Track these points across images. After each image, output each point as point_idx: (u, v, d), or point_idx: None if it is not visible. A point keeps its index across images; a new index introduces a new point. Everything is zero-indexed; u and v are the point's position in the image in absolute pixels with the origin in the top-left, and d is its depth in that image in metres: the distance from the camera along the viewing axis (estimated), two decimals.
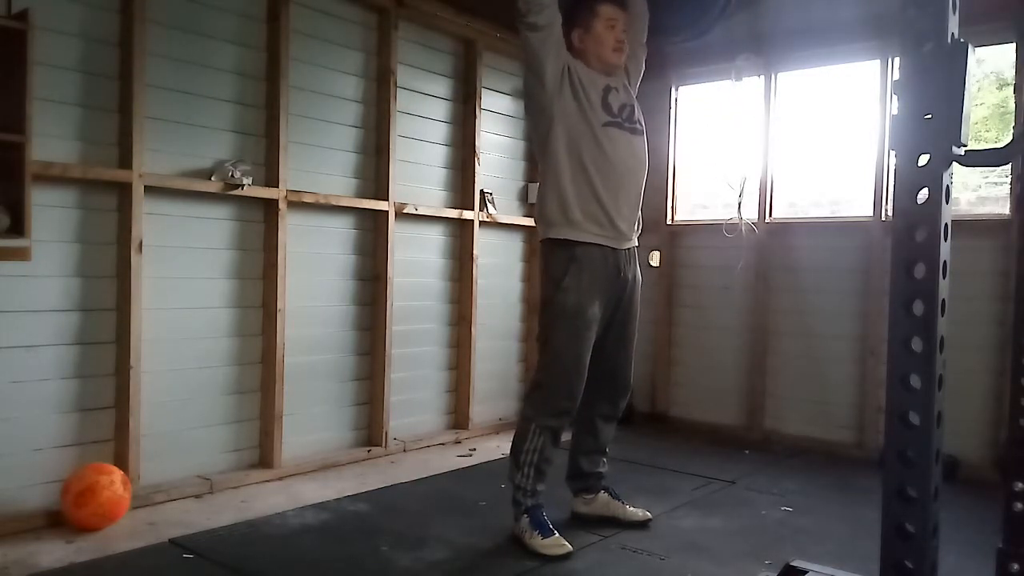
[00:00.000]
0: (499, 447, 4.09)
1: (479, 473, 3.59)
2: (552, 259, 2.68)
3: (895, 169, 1.34)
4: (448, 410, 4.29)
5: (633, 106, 2.75)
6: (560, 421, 2.67)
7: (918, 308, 1.27)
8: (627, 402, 2.97)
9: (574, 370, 2.63)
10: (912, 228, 1.28)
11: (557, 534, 2.58)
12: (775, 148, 4.40)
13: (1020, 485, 1.64)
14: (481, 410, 4.41)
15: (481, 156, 4.29)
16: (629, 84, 2.82)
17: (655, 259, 4.85)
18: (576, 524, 2.84)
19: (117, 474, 2.72)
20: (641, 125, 2.75)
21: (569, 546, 2.56)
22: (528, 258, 4.73)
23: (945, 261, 1.28)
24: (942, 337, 1.27)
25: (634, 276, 2.80)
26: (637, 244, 2.82)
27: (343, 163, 3.69)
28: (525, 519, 2.62)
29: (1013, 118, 3.74)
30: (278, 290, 3.34)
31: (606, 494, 2.89)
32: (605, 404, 2.87)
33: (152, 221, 2.96)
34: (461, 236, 4.27)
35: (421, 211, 3.97)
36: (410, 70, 3.93)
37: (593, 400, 2.80)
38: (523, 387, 4.75)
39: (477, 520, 2.89)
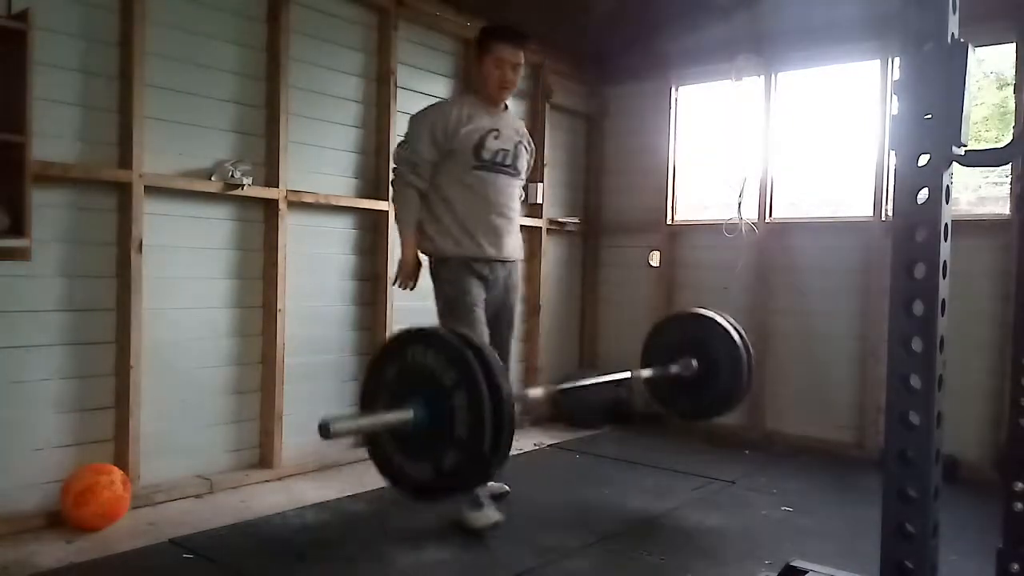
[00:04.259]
0: None
1: None
2: (432, 267, 3.00)
3: (895, 169, 1.34)
4: None
5: (509, 150, 2.99)
6: None
7: (918, 308, 1.28)
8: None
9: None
10: (912, 228, 1.29)
11: (485, 506, 2.73)
12: (775, 148, 4.40)
13: (1020, 485, 1.64)
14: None
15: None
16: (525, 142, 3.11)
17: (655, 259, 4.85)
18: (575, 524, 2.84)
19: (117, 474, 2.72)
20: (517, 168, 3.04)
21: (495, 516, 2.72)
22: (527, 258, 4.72)
23: (945, 261, 1.28)
24: (942, 337, 1.28)
25: (507, 281, 3.05)
26: (514, 259, 3.08)
27: (343, 163, 3.69)
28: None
29: (1013, 118, 3.74)
30: (278, 290, 3.34)
31: None
32: None
33: (152, 221, 2.96)
34: None
35: None
36: (410, 70, 3.93)
37: None
38: (522, 386, 4.75)
39: None
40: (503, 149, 2.97)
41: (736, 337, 3.21)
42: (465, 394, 1.89)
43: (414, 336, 2.03)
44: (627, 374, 3.15)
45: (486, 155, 2.93)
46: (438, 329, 2.03)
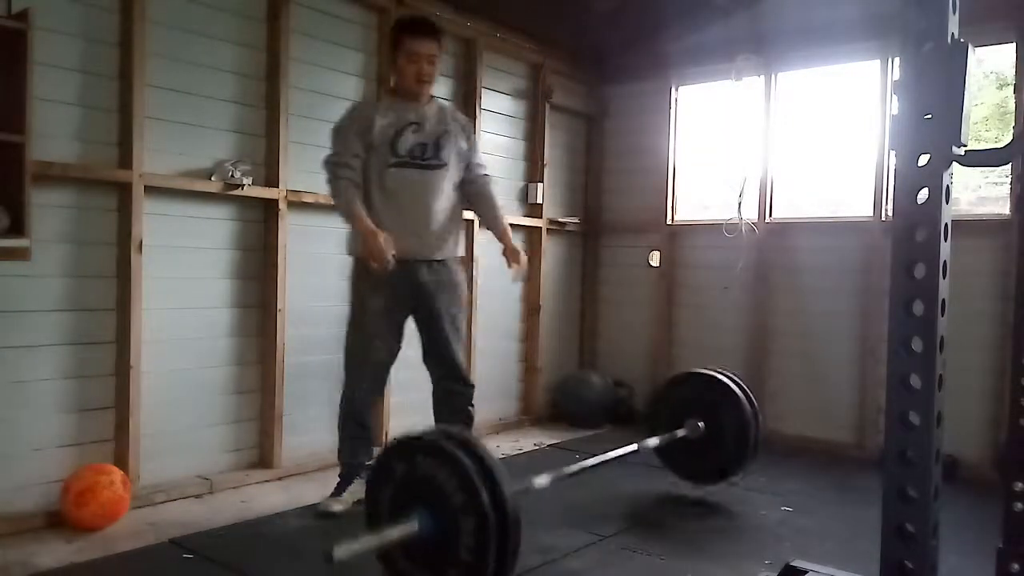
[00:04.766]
0: (499, 447, 4.09)
1: None
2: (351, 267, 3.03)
3: (895, 169, 1.34)
4: None
5: (429, 143, 2.93)
6: (350, 393, 3.03)
7: (918, 308, 1.28)
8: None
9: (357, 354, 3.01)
10: (912, 228, 1.28)
11: (341, 495, 2.92)
12: (775, 148, 4.40)
13: (1020, 485, 1.64)
14: (481, 410, 4.38)
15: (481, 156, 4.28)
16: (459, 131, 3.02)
17: (655, 259, 4.85)
18: (575, 524, 2.84)
19: (117, 474, 2.72)
20: (440, 159, 2.95)
21: (335, 507, 2.87)
22: (528, 258, 4.72)
23: (945, 261, 1.28)
24: (942, 337, 1.27)
25: (435, 281, 2.97)
26: (440, 258, 2.99)
27: None
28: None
29: (1013, 118, 3.74)
30: (278, 290, 3.34)
31: None
32: (444, 382, 3.14)
33: (152, 221, 2.96)
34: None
35: None
36: None
37: (434, 382, 3.16)
38: (523, 387, 4.75)
39: None
40: (422, 143, 2.90)
41: (744, 399, 3.15)
42: (472, 520, 1.87)
43: (426, 446, 2.01)
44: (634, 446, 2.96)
45: (402, 150, 2.87)
46: (449, 445, 1.98)
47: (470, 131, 3.11)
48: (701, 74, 4.69)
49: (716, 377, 3.23)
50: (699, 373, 3.30)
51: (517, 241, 4.62)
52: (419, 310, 2.99)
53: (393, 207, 2.88)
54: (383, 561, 2.03)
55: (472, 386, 3.17)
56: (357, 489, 2.84)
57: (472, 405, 3.17)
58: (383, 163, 2.87)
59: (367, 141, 2.87)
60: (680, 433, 3.15)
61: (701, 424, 3.15)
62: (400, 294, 2.92)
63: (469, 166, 3.08)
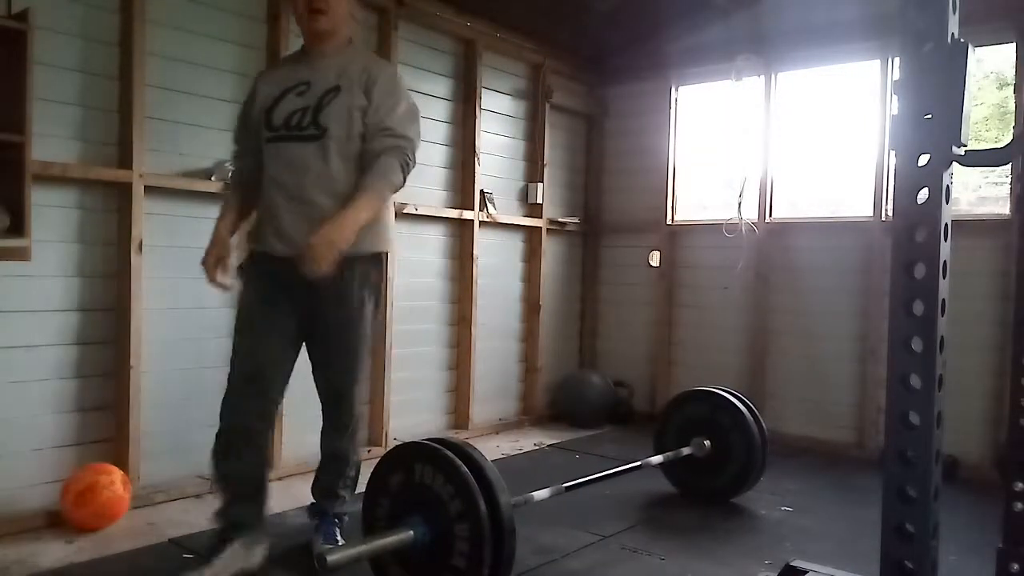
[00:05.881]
0: (499, 447, 4.09)
1: None
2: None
3: (895, 169, 1.34)
4: (448, 410, 4.29)
5: (310, 107, 2.27)
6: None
7: (918, 308, 1.27)
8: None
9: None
10: (912, 228, 1.28)
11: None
12: (775, 148, 4.40)
13: (1020, 485, 1.64)
14: (481, 410, 4.40)
15: (481, 156, 4.29)
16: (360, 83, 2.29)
17: (655, 259, 4.85)
18: (575, 524, 2.84)
19: (117, 474, 2.72)
20: (318, 127, 2.25)
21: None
22: (528, 258, 4.73)
23: (945, 261, 1.28)
24: (942, 337, 1.27)
25: (314, 288, 2.23)
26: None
27: None
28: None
29: (1013, 118, 3.74)
30: None
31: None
32: (323, 410, 2.51)
33: (152, 221, 2.96)
34: (461, 236, 4.27)
35: (421, 211, 3.97)
36: (410, 70, 3.93)
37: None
38: (523, 387, 4.75)
39: None
40: (302, 107, 2.26)
41: (753, 424, 3.14)
42: (467, 527, 1.88)
43: (424, 453, 2.01)
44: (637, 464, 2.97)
45: (277, 120, 2.29)
46: (447, 453, 1.96)
47: (380, 83, 2.29)
48: (701, 74, 4.69)
49: (727, 398, 3.21)
50: (710, 392, 3.29)
51: (517, 240, 4.65)
52: (306, 319, 2.39)
53: (275, 193, 2.31)
54: (376, 571, 2.03)
55: (346, 425, 2.47)
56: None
57: (347, 451, 2.49)
58: (263, 139, 2.34)
59: (250, 118, 2.40)
60: (685, 451, 3.15)
61: (707, 443, 3.14)
62: (267, 301, 2.36)
63: (370, 131, 2.27)
